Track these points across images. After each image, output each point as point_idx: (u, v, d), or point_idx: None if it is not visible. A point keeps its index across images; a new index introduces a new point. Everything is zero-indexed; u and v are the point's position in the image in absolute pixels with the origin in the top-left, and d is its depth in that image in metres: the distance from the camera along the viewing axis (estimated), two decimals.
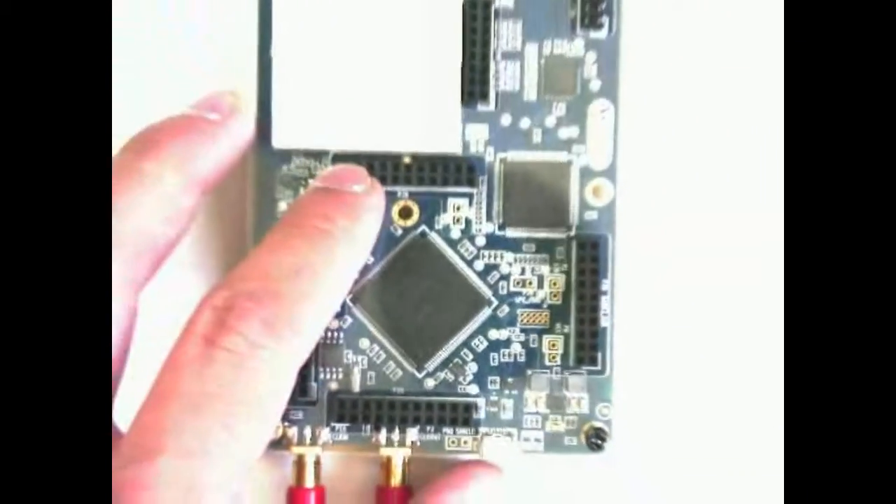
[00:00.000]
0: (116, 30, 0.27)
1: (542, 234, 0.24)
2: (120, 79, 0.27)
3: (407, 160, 0.23)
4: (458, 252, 0.24)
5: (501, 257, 0.24)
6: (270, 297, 0.21)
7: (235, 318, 0.21)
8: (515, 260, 0.24)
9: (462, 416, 0.23)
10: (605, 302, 0.23)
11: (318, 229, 0.22)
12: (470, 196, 0.24)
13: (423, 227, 0.24)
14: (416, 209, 0.24)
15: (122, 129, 0.23)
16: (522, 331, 0.24)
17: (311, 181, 0.24)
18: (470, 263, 0.24)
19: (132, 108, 0.26)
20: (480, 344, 0.24)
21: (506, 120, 0.23)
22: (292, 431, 0.24)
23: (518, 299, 0.24)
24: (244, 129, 0.23)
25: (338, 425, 0.24)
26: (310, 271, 0.22)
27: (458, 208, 0.24)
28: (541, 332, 0.24)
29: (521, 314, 0.24)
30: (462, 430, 0.23)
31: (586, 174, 0.23)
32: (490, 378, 0.24)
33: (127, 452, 0.20)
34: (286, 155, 0.23)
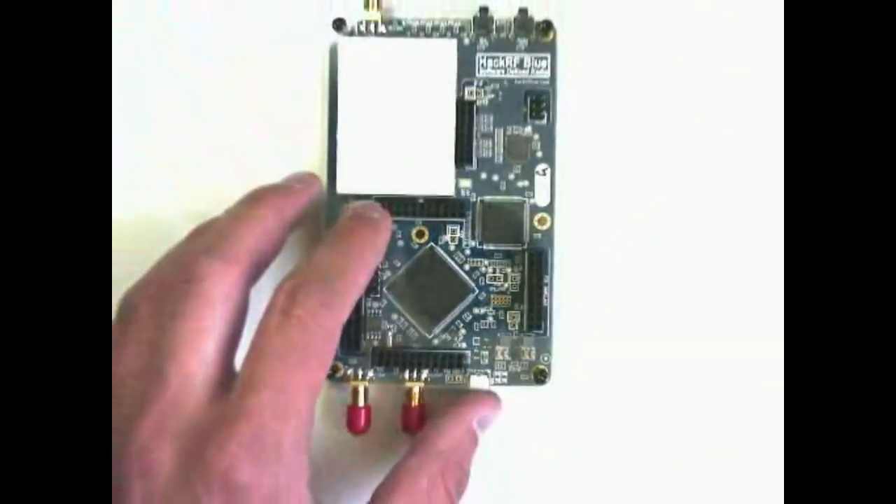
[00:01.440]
0: (212, 109, 0.31)
1: (506, 248, 0.30)
2: (223, 152, 0.31)
3: (421, 200, 0.30)
4: (453, 259, 0.30)
5: (481, 262, 0.30)
6: (325, 282, 0.26)
7: (302, 296, 0.25)
8: (490, 263, 0.30)
9: (456, 362, 0.30)
10: (546, 290, 0.30)
11: (354, 241, 0.27)
12: (461, 223, 0.30)
13: (431, 243, 0.30)
14: (426, 231, 0.30)
15: (228, 191, 0.28)
16: (494, 308, 0.30)
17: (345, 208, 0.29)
18: (461, 266, 0.30)
19: (235, 176, 0.31)
20: (468, 316, 0.30)
21: (483, 175, 0.30)
22: (350, 371, 0.30)
23: (491, 288, 0.30)
24: (316, 192, 0.29)
25: (378, 367, 0.30)
26: (349, 267, 0.27)
27: (454, 231, 0.30)
28: (506, 309, 0.30)
29: (493, 297, 0.30)
30: (456, 371, 0.30)
31: (534, 210, 0.30)
32: (474, 338, 0.30)
33: (238, 391, 0.24)
34: (346, 198, 0.30)
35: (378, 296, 0.31)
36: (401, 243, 0.31)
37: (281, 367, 0.24)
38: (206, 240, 0.26)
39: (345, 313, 0.26)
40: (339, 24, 0.30)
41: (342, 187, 0.30)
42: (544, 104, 0.30)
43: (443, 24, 0.30)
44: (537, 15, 0.30)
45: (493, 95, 0.30)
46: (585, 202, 0.31)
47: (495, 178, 0.31)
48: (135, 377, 0.24)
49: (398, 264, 0.30)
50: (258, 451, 0.23)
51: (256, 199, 0.28)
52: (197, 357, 0.25)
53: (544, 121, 0.30)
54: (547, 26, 0.30)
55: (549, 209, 0.31)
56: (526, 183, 0.31)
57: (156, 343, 0.25)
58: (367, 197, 0.30)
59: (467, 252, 0.31)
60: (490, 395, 0.30)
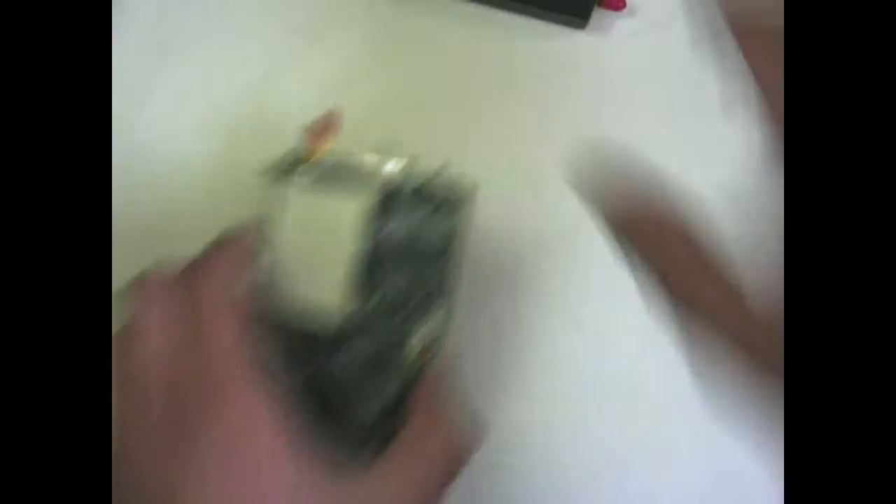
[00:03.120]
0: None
1: (385, 373, 0.33)
2: None
3: (318, 331, 0.32)
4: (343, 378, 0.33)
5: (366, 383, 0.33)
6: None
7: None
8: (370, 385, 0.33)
9: None
10: None
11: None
12: (350, 350, 0.33)
13: (319, 366, 0.33)
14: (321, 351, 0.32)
15: None
16: None
17: None
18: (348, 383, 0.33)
19: None
20: None
21: (379, 315, 0.32)
22: None
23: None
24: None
25: None
26: None
27: (344, 354, 0.32)
28: None
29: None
30: None
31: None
32: None
33: None
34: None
35: None
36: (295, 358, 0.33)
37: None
38: None
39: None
40: (272, 174, 0.33)
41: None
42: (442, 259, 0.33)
43: (361, 183, 0.33)
44: (438, 189, 0.33)
45: (395, 247, 0.33)
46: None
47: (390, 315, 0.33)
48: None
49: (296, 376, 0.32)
50: None
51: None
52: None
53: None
54: (444, 194, 0.33)
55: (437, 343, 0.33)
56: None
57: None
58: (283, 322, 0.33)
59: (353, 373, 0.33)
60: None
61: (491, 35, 0.39)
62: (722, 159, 0.36)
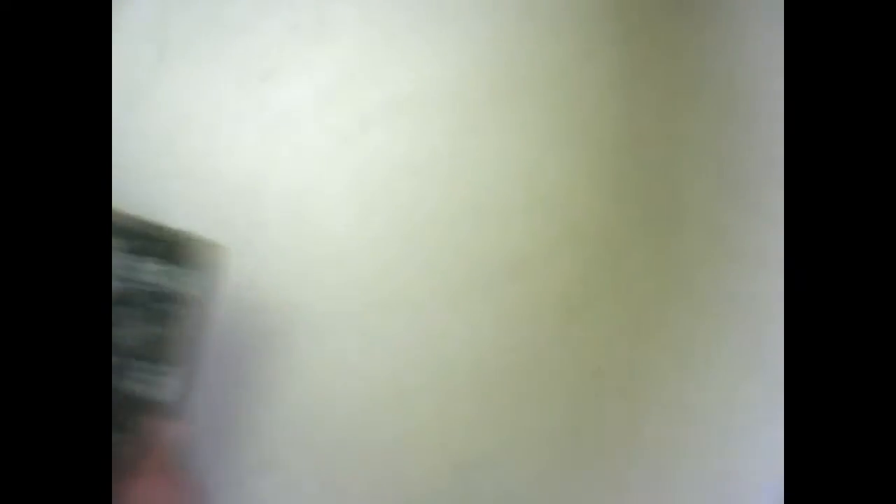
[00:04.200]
0: None
1: None
2: None
3: None
4: None
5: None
6: None
7: None
8: None
9: None
10: None
11: None
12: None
13: None
14: None
15: None
16: None
17: None
18: None
19: None
20: None
21: None
22: None
23: None
24: None
25: None
26: None
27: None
28: None
29: None
30: None
31: None
32: None
33: None
34: None
35: None
36: None
37: None
38: None
39: None
40: None
41: None
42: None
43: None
44: (185, 248, 0.31)
45: (135, 297, 0.31)
46: None
47: None
48: None
49: None
50: None
51: None
52: None
53: None
54: (190, 255, 0.31)
55: None
56: None
57: None
58: None
59: None
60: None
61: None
62: None
